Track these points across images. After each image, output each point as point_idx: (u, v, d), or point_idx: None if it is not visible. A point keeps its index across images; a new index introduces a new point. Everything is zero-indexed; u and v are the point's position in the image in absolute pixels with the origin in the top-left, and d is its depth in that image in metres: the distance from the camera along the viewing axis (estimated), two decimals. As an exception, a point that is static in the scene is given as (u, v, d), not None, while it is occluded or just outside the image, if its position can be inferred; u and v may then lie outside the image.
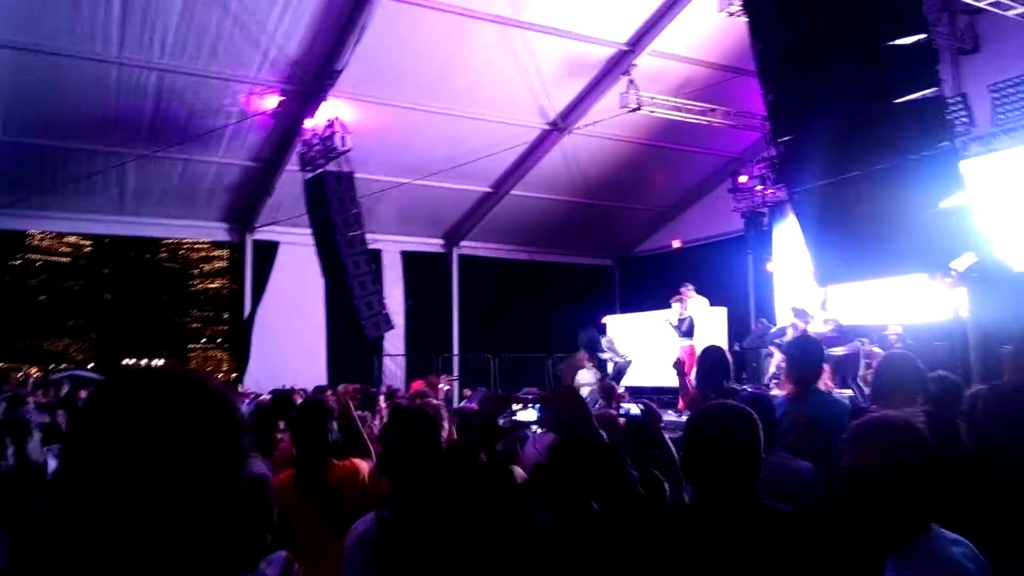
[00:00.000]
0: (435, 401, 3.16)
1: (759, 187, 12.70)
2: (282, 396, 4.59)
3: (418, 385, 9.03)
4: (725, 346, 10.55)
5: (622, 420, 2.84)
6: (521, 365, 13.97)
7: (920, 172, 6.52)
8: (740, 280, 13.83)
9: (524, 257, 15.36)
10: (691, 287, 11.69)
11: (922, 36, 5.93)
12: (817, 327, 9.51)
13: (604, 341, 10.77)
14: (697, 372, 4.01)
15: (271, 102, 10.36)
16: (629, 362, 10.46)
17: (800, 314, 10.08)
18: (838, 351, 9.22)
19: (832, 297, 10.47)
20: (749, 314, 13.36)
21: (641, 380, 10.64)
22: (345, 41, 9.74)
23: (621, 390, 7.52)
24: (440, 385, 10.33)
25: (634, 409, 2.83)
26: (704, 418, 2.05)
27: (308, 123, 10.76)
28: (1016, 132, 10.03)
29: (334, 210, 10.26)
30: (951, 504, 1.95)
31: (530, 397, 2.10)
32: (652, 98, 11.15)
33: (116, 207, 11.96)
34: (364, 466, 3.20)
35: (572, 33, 10.56)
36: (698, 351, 9.43)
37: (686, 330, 9.84)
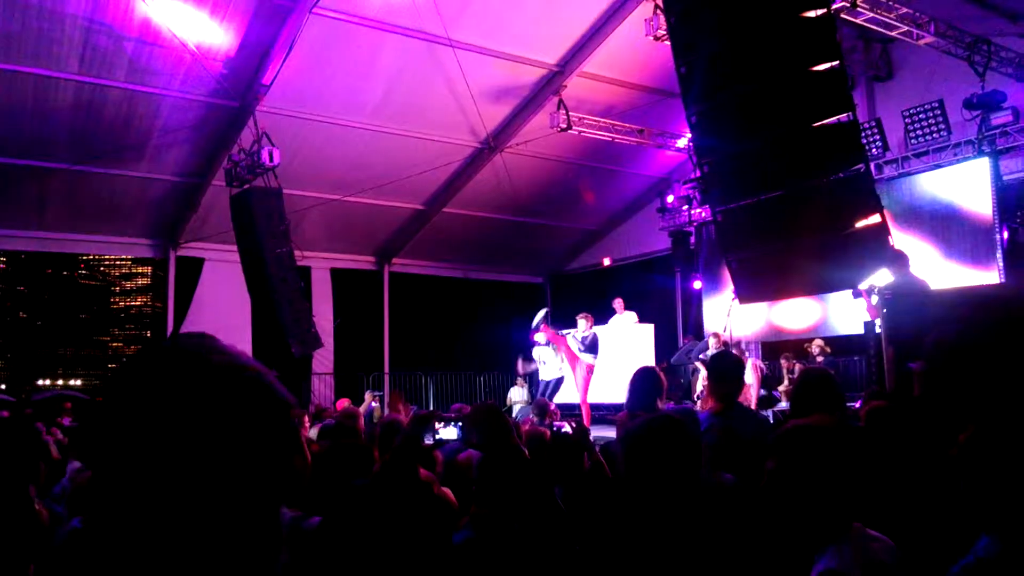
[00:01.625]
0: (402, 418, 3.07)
1: (685, 207, 12.80)
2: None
3: (344, 403, 8.89)
4: (652, 362, 10.95)
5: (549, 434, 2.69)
6: (454, 383, 13.91)
7: (836, 193, 6.78)
8: (668, 297, 13.94)
9: (457, 274, 15.21)
10: (621, 301, 11.96)
11: (836, 63, 6.19)
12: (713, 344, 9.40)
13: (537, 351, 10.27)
14: (629, 391, 4.01)
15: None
16: (561, 378, 10.20)
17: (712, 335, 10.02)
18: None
19: (754, 310, 10.52)
20: (677, 331, 13.47)
21: (573, 396, 10.13)
22: (273, 56, 9.58)
23: (553, 407, 7.33)
24: (370, 405, 10.77)
25: (566, 427, 2.89)
26: (638, 434, 2.10)
27: (235, 138, 10.59)
28: (927, 156, 10.36)
29: (261, 226, 9.91)
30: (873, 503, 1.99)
31: (453, 416, 2.11)
32: (582, 118, 11.26)
33: (34, 222, 11.66)
34: None
35: (503, 53, 10.64)
36: (597, 367, 9.69)
37: (588, 347, 9.73)
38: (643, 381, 4.02)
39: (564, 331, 9.90)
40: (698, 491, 2.10)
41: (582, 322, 9.98)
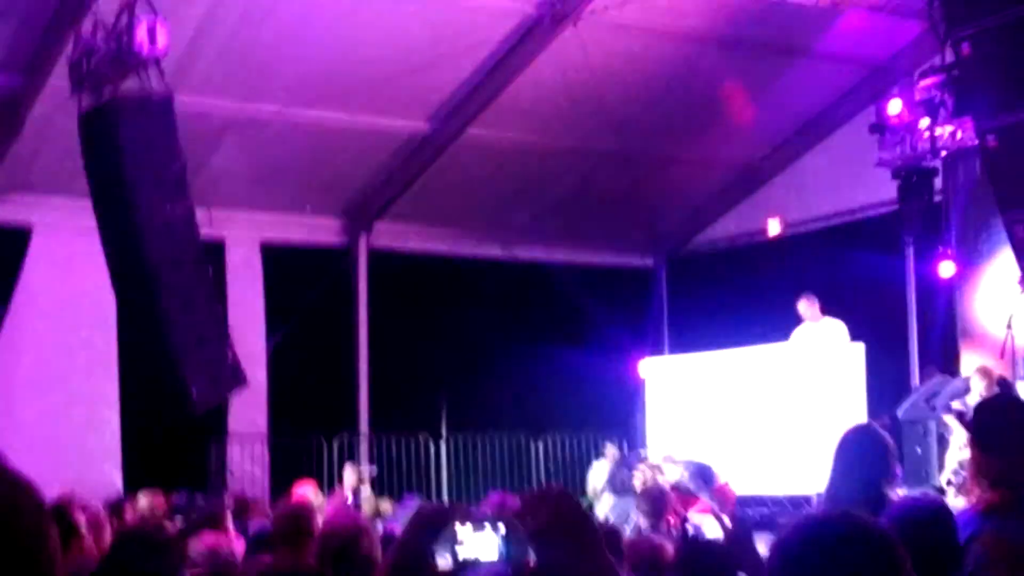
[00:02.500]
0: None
1: (925, 123, 9.75)
2: (57, 514, 3.55)
3: (304, 489, 7.50)
4: (862, 412, 9.08)
5: (675, 548, 2.81)
6: (485, 451, 11.52)
7: None
8: (891, 293, 10.93)
9: (491, 254, 12.54)
10: (815, 300, 9.69)
11: None
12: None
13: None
14: (834, 467, 3.24)
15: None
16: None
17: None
18: None
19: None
20: (908, 356, 10.59)
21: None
22: None
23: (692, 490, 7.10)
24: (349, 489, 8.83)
25: (707, 527, 3.13)
26: (803, 544, 1.47)
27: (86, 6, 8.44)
28: None
29: (134, 166, 7.77)
30: None
31: (490, 515, 1.65)
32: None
33: None
34: None
35: None
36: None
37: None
38: (858, 450, 3.22)
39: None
40: None
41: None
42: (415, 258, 12.26)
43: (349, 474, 9.49)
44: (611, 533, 3.08)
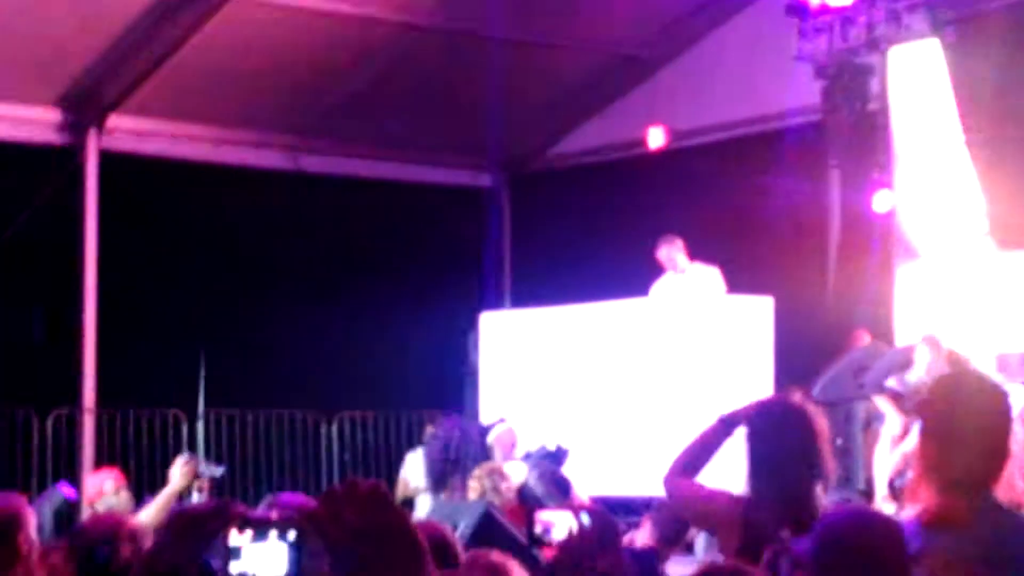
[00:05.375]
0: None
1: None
2: None
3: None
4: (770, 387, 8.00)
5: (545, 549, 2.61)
6: (259, 435, 9.58)
7: None
8: (809, 230, 9.32)
9: (269, 164, 10.35)
10: (678, 243, 8.56)
11: None
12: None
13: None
14: (748, 460, 3.03)
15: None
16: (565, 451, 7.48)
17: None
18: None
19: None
20: (828, 315, 8.99)
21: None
22: None
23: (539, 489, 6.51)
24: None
25: (559, 527, 2.48)
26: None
27: None
28: None
29: None
30: None
31: (274, 518, 1.45)
32: None
33: None
34: None
35: None
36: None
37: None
38: (768, 436, 3.00)
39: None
40: None
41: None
42: (164, 166, 10.27)
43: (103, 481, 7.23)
44: (438, 540, 2.68)
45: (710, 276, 8.95)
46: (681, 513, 3.70)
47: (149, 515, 7.19)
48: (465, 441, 7.53)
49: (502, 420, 8.31)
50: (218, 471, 8.54)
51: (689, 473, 3.03)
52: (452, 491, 7.37)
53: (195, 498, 8.36)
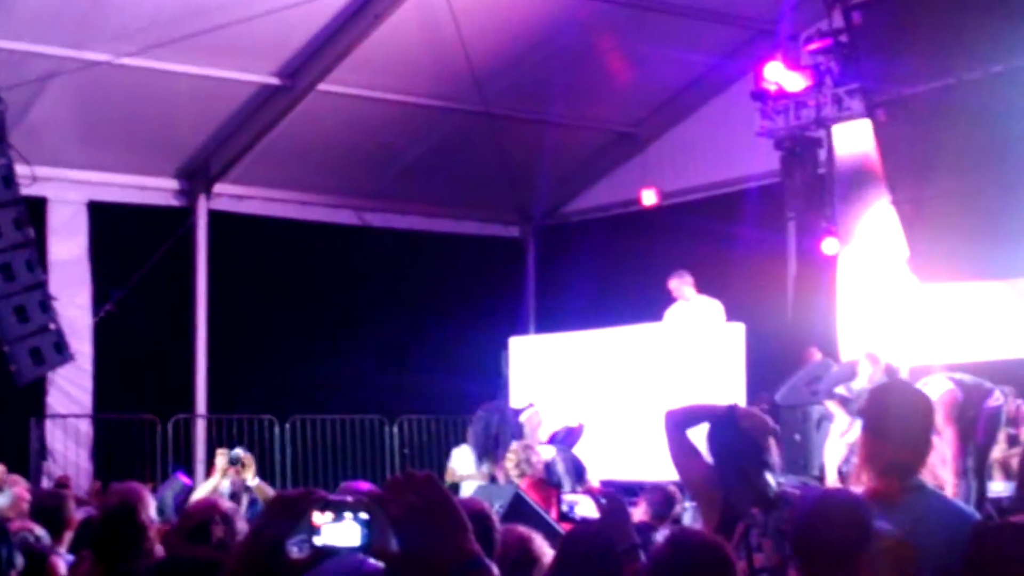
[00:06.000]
0: None
1: (808, 90, 9.11)
2: None
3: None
4: (741, 397, 8.49)
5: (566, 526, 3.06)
6: (335, 435, 10.72)
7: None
8: (772, 270, 10.52)
9: (342, 219, 11.87)
10: (688, 278, 9.23)
11: None
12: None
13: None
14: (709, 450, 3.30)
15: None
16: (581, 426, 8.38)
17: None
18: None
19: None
20: (788, 337, 9.97)
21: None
22: None
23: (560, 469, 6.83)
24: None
25: (583, 507, 2.79)
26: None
27: None
28: None
29: None
30: None
31: (350, 500, 1.57)
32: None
33: None
34: None
35: None
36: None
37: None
38: (727, 434, 3.19)
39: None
40: None
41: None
42: (260, 223, 11.46)
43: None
44: (481, 519, 3.07)
45: (713, 307, 9.59)
46: (670, 452, 3.69)
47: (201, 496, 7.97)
48: (503, 421, 8.81)
49: (531, 405, 9.00)
50: (237, 451, 10.08)
51: (682, 426, 3.26)
52: (494, 461, 8.41)
53: (225, 484, 8.29)
